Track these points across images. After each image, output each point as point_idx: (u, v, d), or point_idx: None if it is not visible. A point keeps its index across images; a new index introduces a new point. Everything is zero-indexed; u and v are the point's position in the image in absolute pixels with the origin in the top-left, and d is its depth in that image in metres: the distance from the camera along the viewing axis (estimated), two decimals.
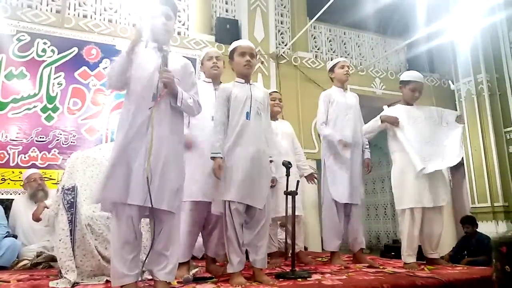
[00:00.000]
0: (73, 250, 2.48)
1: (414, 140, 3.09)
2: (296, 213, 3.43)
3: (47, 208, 3.78)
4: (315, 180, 3.80)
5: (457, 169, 7.26)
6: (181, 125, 2.16)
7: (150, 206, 1.89)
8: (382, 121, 3.21)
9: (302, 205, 3.76)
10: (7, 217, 3.98)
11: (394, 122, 3.16)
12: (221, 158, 2.39)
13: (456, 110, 7.11)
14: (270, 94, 3.74)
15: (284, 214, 2.84)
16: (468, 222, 5.27)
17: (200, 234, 2.94)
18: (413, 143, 3.07)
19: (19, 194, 4.41)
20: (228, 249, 2.39)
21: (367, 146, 3.54)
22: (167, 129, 2.02)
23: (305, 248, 4.26)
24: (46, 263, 3.49)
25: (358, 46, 7.53)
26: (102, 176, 2.00)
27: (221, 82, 2.99)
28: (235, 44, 2.66)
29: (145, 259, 1.97)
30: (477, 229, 5.29)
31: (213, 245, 2.86)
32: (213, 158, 2.40)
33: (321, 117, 3.49)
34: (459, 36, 6.79)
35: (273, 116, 3.69)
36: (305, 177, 3.76)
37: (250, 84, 2.60)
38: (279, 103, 3.71)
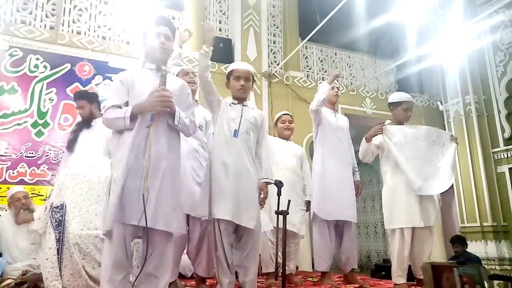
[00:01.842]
0: (60, 269, 2.44)
1: (413, 159, 3.09)
2: (294, 230, 3.43)
3: (33, 221, 3.74)
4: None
5: (447, 189, 7.31)
6: (178, 143, 2.16)
7: (145, 225, 1.85)
8: (367, 140, 3.24)
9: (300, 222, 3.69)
10: None
11: (377, 130, 3.18)
12: None
13: (445, 130, 7.24)
14: (280, 116, 3.75)
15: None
16: (458, 241, 5.29)
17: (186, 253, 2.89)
18: (412, 162, 3.07)
19: (6, 210, 4.33)
20: (217, 270, 2.37)
21: (357, 169, 3.56)
22: (165, 147, 2.02)
23: (296, 267, 4.22)
24: (31, 283, 3.41)
25: (349, 67, 7.65)
26: (109, 198, 1.95)
27: (196, 101, 3.04)
28: (232, 66, 2.70)
29: (135, 280, 1.93)
30: (466, 249, 5.31)
31: (203, 264, 2.81)
32: None
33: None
34: (447, 59, 6.95)
35: (284, 138, 3.71)
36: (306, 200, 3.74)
37: (243, 105, 2.62)
38: (288, 126, 3.71)
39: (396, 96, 3.44)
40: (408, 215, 3.03)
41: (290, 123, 3.74)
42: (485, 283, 0.71)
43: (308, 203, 3.64)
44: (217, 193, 2.37)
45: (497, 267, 6.31)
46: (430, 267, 0.60)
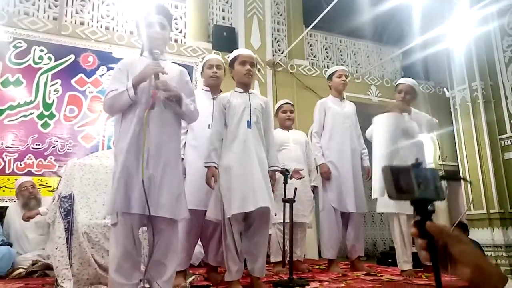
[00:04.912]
0: (69, 258, 2.46)
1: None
2: (301, 221, 3.45)
3: (41, 215, 3.79)
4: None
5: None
6: (178, 131, 2.15)
7: (148, 214, 1.86)
8: None
9: (307, 212, 3.66)
10: (1, 225, 3.96)
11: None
12: (215, 167, 2.40)
13: (452, 117, 7.19)
14: (281, 106, 3.75)
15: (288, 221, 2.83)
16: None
17: (199, 242, 2.93)
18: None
19: (15, 201, 4.38)
20: (226, 257, 2.38)
21: (366, 154, 3.54)
22: (164, 135, 2.01)
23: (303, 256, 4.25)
24: (42, 272, 3.46)
25: (354, 54, 7.58)
26: (111, 187, 1.96)
27: (221, 91, 2.98)
28: (236, 53, 2.67)
29: (146, 268, 1.94)
30: (468, 236, 5.31)
31: (213, 253, 2.84)
32: (207, 167, 2.41)
33: (314, 126, 3.58)
34: (453, 44, 6.86)
35: (286, 128, 3.70)
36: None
37: (249, 93, 2.60)
38: (290, 116, 3.70)
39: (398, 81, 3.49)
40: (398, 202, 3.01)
41: (291, 113, 3.73)
42: (437, 182, 0.75)
43: (314, 188, 3.67)
44: (234, 185, 2.34)
45: (504, 254, 6.31)
46: (389, 170, 0.64)
